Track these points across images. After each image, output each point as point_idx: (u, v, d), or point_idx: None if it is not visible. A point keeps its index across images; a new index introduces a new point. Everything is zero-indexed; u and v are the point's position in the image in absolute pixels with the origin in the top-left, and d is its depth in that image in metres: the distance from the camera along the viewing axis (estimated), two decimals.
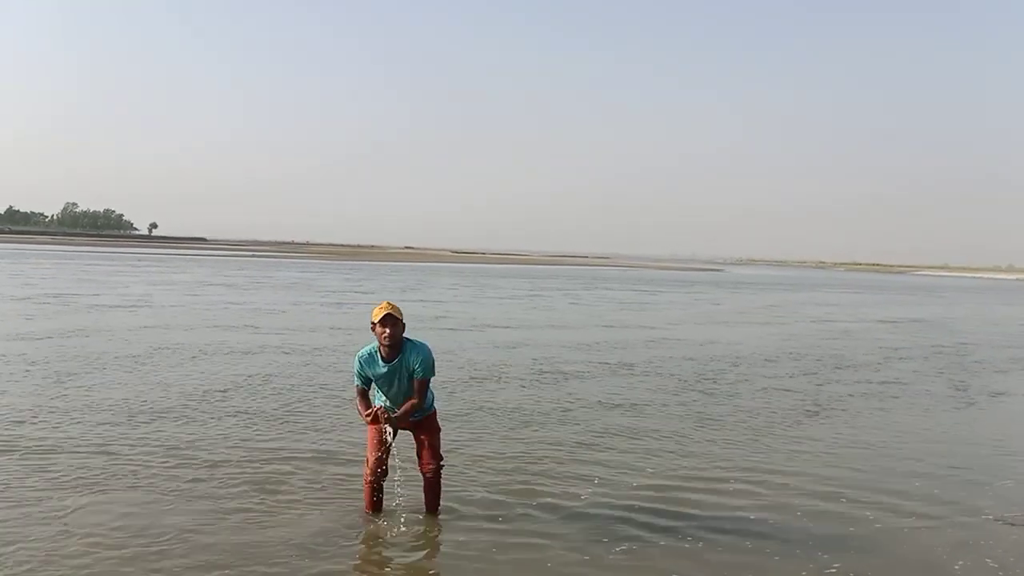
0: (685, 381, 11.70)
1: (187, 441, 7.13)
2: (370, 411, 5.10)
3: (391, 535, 5.19)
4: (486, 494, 5.99)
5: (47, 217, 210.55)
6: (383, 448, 5.21)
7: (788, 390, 11.27)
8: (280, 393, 9.49)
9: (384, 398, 5.25)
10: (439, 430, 5.46)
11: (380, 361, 5.13)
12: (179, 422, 7.84)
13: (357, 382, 5.24)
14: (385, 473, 5.31)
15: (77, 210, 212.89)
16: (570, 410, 9.27)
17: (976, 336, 21.63)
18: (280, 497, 5.77)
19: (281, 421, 8.07)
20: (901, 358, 15.78)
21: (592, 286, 43.38)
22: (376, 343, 5.14)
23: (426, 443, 5.34)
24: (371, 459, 5.27)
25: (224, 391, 9.45)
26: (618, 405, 9.68)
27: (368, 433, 5.30)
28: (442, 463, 5.45)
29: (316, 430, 7.76)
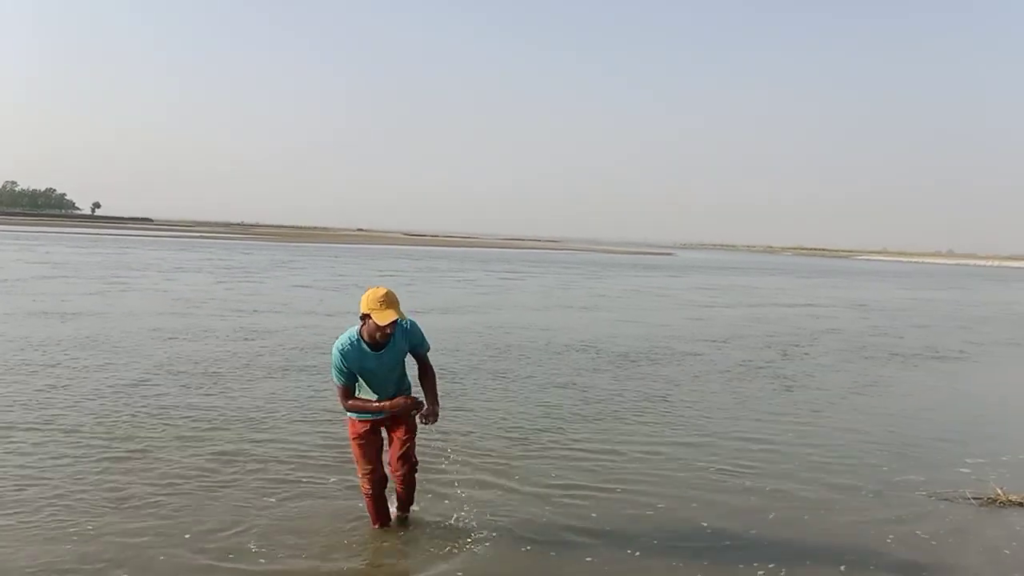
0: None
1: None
2: (394, 401, 4.51)
3: (407, 548, 4.69)
4: None
5: None
6: (381, 454, 4.77)
7: (551, 386, 9.76)
8: None
9: (370, 391, 4.58)
10: (416, 427, 4.83)
11: (366, 348, 4.48)
12: None
13: (340, 381, 4.51)
14: (385, 481, 4.80)
15: (17, 189, 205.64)
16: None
17: (841, 321, 20.00)
18: None
19: None
20: (723, 347, 13.96)
21: (492, 268, 41.53)
22: (353, 330, 4.52)
23: (405, 441, 4.77)
24: (368, 470, 4.70)
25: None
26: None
27: (355, 442, 4.68)
28: (416, 463, 4.93)
29: None
